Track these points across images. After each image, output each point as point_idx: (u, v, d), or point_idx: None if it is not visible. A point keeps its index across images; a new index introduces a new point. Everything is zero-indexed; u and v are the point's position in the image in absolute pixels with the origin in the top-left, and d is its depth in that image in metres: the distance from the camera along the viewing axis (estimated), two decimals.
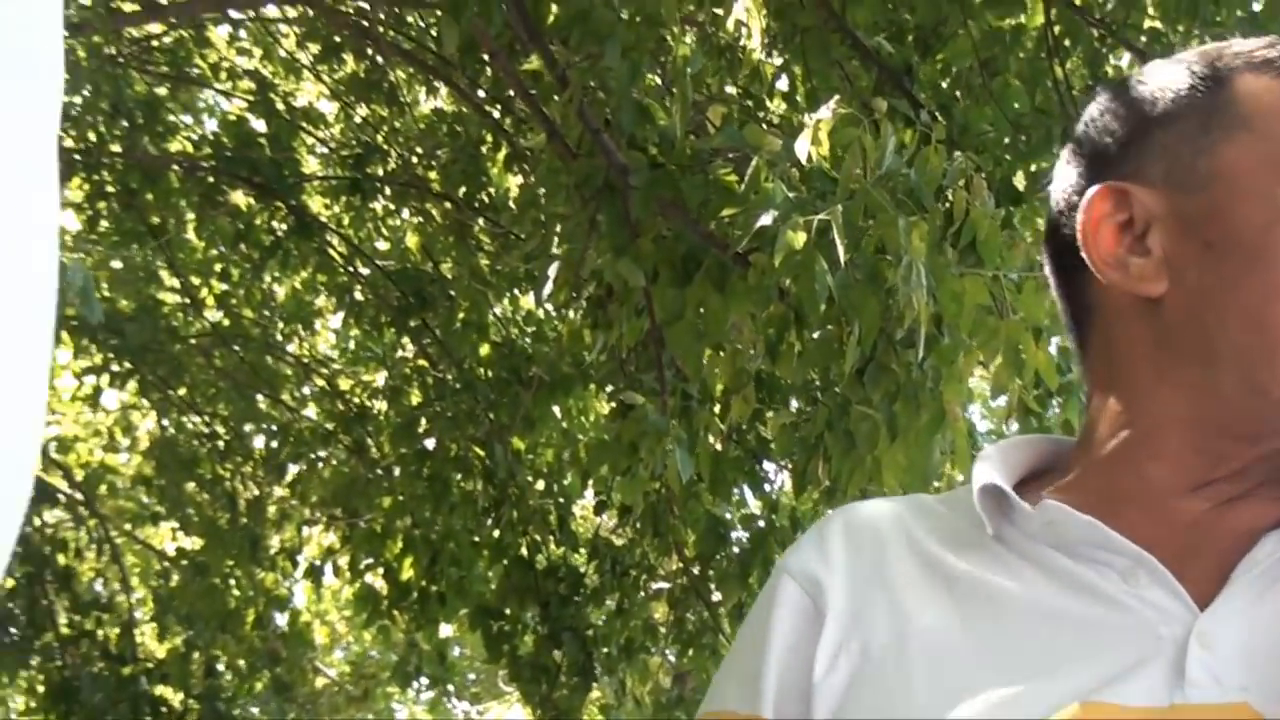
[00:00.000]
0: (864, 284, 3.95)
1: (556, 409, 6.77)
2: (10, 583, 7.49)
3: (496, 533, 6.83)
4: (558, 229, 5.28)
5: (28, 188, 0.60)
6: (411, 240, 7.84)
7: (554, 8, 4.81)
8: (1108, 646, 0.99)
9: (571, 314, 5.72)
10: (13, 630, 7.38)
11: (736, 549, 6.11)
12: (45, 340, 0.59)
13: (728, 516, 6.30)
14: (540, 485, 7.24)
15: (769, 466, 6.38)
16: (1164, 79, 1.20)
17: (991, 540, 1.08)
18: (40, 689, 7.58)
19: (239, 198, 7.37)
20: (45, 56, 0.61)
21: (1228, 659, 0.96)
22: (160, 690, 7.44)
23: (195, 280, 8.01)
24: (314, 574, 8.40)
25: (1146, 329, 1.11)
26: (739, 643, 1.13)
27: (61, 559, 7.65)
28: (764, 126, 4.97)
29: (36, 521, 7.68)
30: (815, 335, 4.32)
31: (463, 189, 7.08)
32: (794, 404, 5.59)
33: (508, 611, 6.84)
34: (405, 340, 7.76)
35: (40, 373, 0.59)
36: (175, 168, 7.23)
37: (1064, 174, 1.24)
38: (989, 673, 0.98)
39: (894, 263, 3.76)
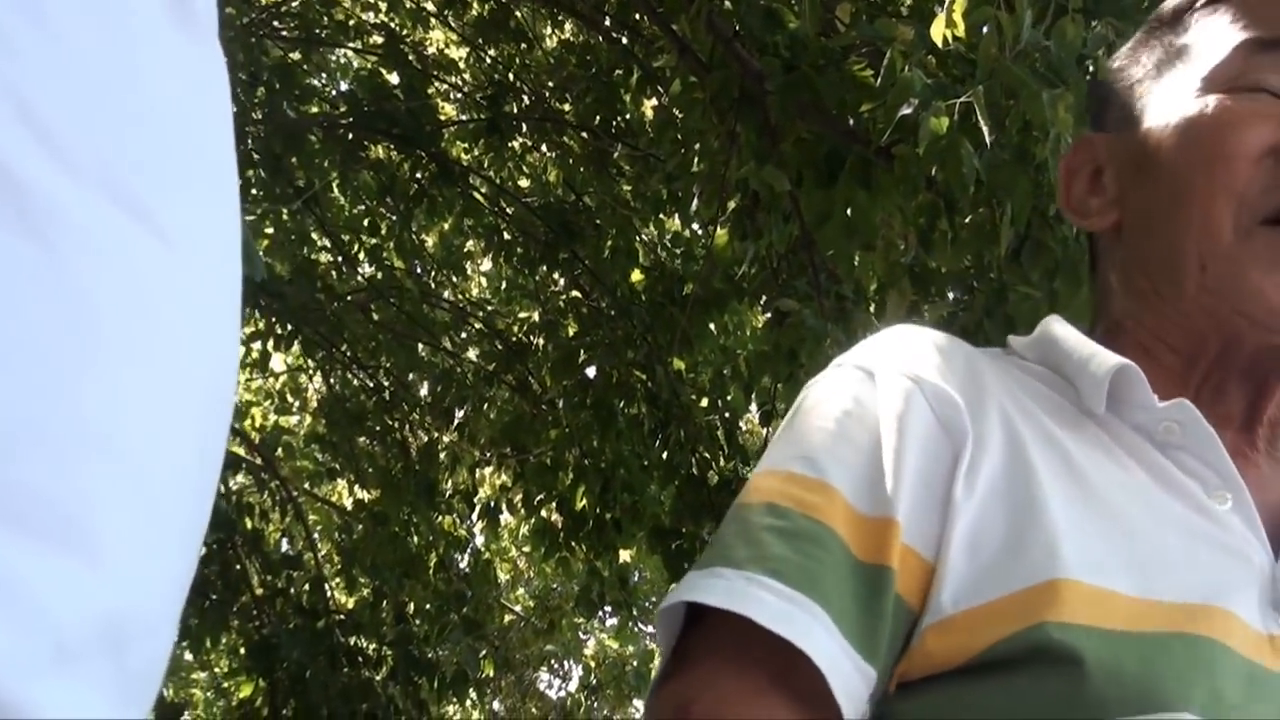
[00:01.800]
0: (1012, 163, 3.91)
1: (713, 326, 6.78)
2: (203, 549, 7.67)
3: (665, 454, 6.87)
4: (697, 146, 5.28)
5: (205, 127, 0.62)
6: (553, 174, 7.88)
7: None
8: (1213, 558, 0.99)
9: (720, 228, 5.71)
10: (211, 595, 7.57)
11: None
12: (235, 325, 0.62)
13: None
14: (704, 403, 7.26)
15: None
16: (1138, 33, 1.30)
17: (1087, 419, 1.09)
18: (242, 650, 7.78)
19: (380, 151, 7.46)
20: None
21: None
22: (355, 640, 7.60)
23: (345, 237, 8.12)
24: (490, 513, 8.52)
25: (1118, 258, 1.21)
26: (838, 435, 1.05)
27: (249, 522, 7.82)
28: (894, 19, 4.92)
29: (222, 488, 7.85)
30: (967, 220, 4.29)
31: (598, 118, 7.09)
32: (950, 295, 5.55)
33: (684, 530, 6.88)
34: (556, 274, 7.80)
35: (233, 353, 0.61)
36: (316, 129, 7.33)
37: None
38: (1118, 549, 0.98)
39: (1041, 138, 3.72)
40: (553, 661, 11.96)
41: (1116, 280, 1.21)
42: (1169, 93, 1.19)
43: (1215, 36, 1.19)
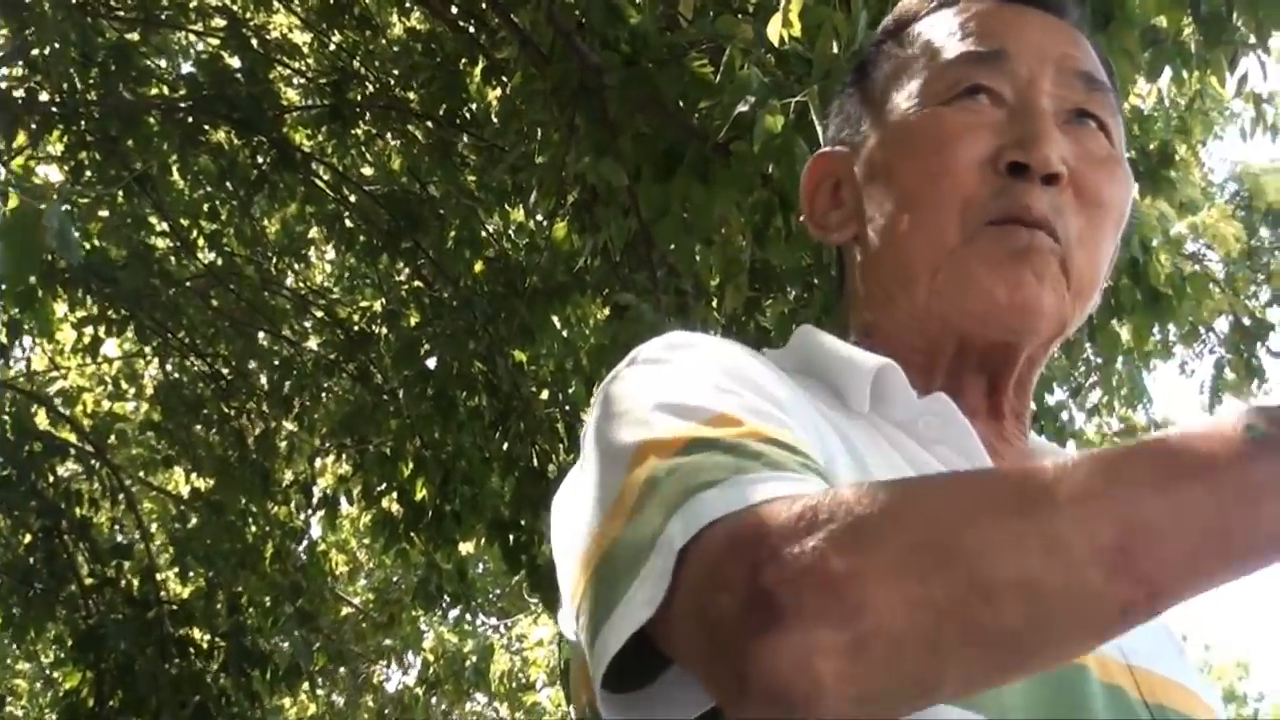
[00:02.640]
0: None
1: (555, 318, 6.78)
2: (29, 537, 7.54)
3: (505, 446, 6.86)
4: (539, 137, 5.27)
5: None
6: (396, 163, 7.82)
7: None
8: None
9: (559, 221, 5.71)
10: (36, 584, 7.44)
11: None
12: None
13: None
14: (545, 395, 7.27)
15: None
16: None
17: (855, 418, 1.11)
18: (68, 640, 7.65)
19: (220, 136, 7.35)
20: None
21: None
22: (186, 631, 7.51)
23: (184, 222, 8.00)
24: (329, 503, 8.45)
25: (864, 268, 1.23)
26: (695, 386, 1.01)
27: (78, 510, 7.69)
28: (739, 16, 4.95)
29: (50, 476, 7.71)
30: (802, 218, 4.32)
31: (443, 107, 7.06)
32: (790, 291, 5.61)
33: (523, 523, 6.88)
34: (399, 263, 7.75)
35: None
36: (153, 111, 7.21)
37: None
38: None
39: None
40: (392, 655, 11.89)
41: (860, 288, 1.23)
42: (895, 107, 1.22)
43: (936, 50, 1.22)
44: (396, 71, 7.45)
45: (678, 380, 1.03)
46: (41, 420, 8.46)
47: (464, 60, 6.84)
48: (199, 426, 8.33)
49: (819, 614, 0.77)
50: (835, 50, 3.75)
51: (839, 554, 0.78)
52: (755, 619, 0.78)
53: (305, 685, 8.73)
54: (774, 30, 3.79)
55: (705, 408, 0.98)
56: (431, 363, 7.09)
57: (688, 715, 0.90)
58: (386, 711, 11.81)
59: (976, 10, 1.24)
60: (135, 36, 7.56)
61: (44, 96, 6.87)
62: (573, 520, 1.02)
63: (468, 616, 11.49)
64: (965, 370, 1.17)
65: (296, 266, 8.74)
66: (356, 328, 7.99)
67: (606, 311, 6.22)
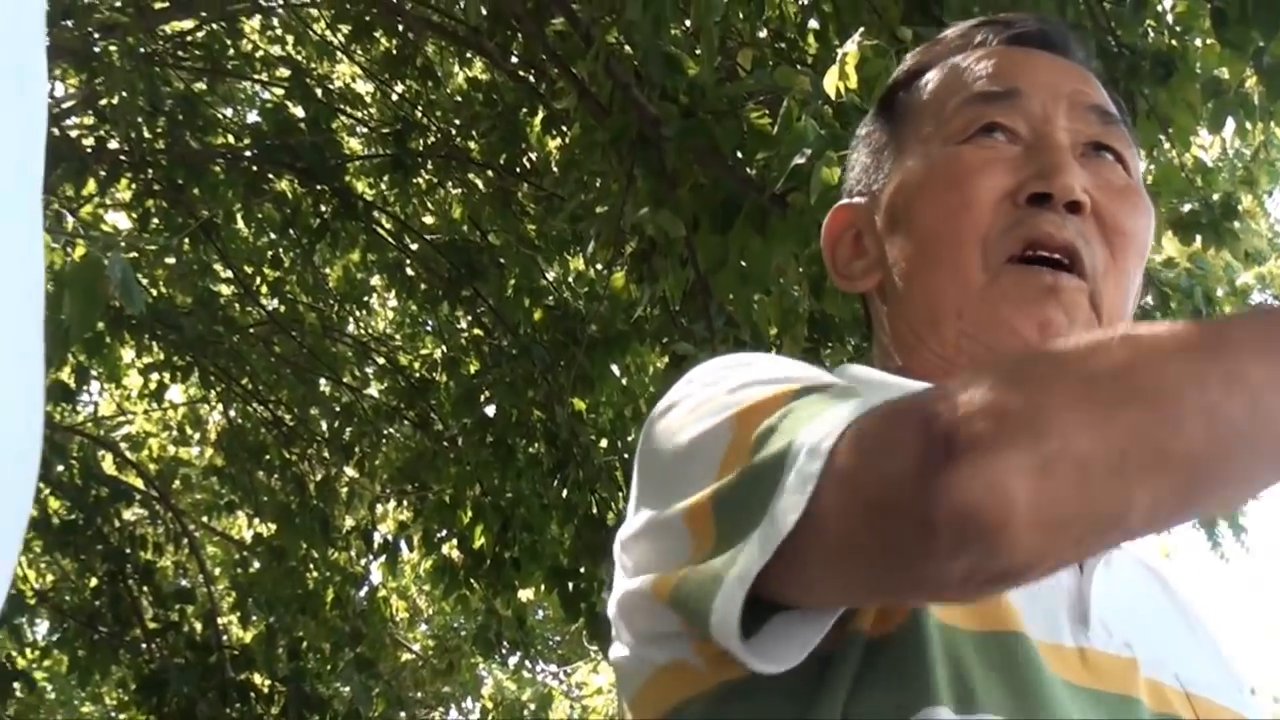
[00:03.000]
0: None
1: (614, 366, 6.79)
2: (94, 581, 7.60)
3: (564, 493, 6.86)
4: (597, 186, 5.30)
5: (9, 184, 0.62)
6: (457, 211, 7.87)
7: None
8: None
9: (616, 270, 5.73)
10: (101, 628, 7.50)
11: None
12: (36, 337, 0.61)
13: None
14: (604, 443, 7.27)
15: None
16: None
17: None
18: (131, 684, 7.70)
19: (283, 184, 7.43)
20: (28, 55, 0.64)
21: (1107, 615, 1.04)
22: (247, 675, 7.54)
23: (248, 269, 8.08)
24: (389, 550, 8.48)
25: (890, 314, 1.24)
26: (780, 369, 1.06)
27: (142, 555, 7.75)
28: (797, 67, 4.97)
29: (115, 520, 7.79)
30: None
31: (503, 156, 7.10)
32: (849, 341, 5.59)
33: (583, 570, 6.88)
34: (460, 311, 7.79)
35: (35, 371, 0.61)
36: (219, 160, 7.30)
37: None
38: None
39: None
40: (451, 702, 11.90)
41: (887, 334, 1.24)
42: (910, 151, 1.24)
43: (949, 93, 1.23)
44: (458, 121, 7.50)
45: (751, 374, 1.05)
46: (108, 465, 8.56)
47: (524, 110, 6.88)
48: (261, 472, 8.39)
49: (1004, 440, 0.79)
50: None
51: (1015, 392, 0.81)
52: (935, 462, 0.79)
53: None
54: (831, 82, 3.80)
55: (795, 377, 1.01)
56: (491, 410, 7.12)
57: (793, 660, 0.91)
58: None
59: (986, 54, 1.25)
60: (202, 86, 7.67)
61: (113, 145, 6.97)
62: (654, 513, 1.03)
63: (526, 663, 11.49)
64: None
65: (358, 314, 8.80)
66: (417, 375, 8.04)
67: (665, 360, 6.23)
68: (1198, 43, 4.98)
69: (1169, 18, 5.00)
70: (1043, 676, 0.95)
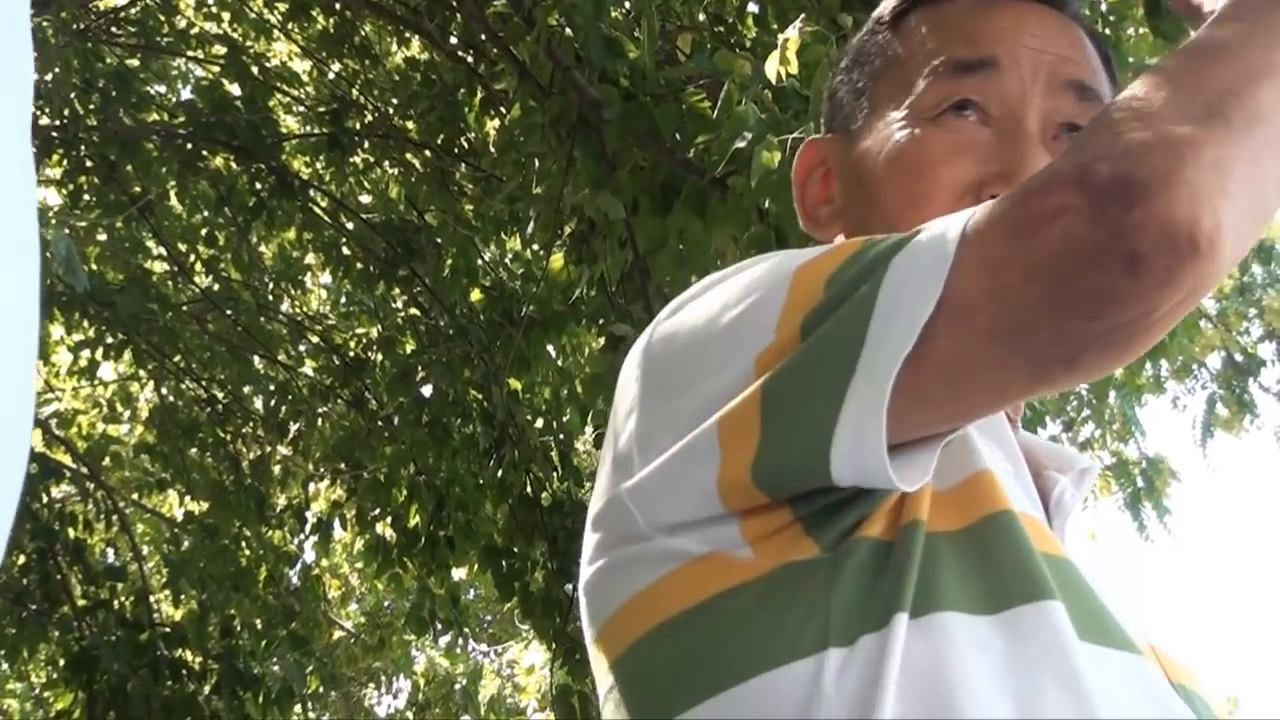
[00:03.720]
0: None
1: (550, 347, 6.81)
2: (22, 558, 7.55)
3: (499, 473, 6.87)
4: (536, 168, 5.31)
5: (3, 163, 0.63)
6: (394, 191, 7.87)
7: None
8: None
9: (555, 251, 5.75)
10: (29, 605, 7.44)
11: None
12: (32, 314, 0.63)
13: None
14: (540, 424, 7.28)
15: None
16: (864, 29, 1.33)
17: None
18: (60, 661, 7.65)
19: (219, 162, 7.39)
20: (16, 32, 0.65)
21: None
22: (179, 653, 7.51)
23: (182, 247, 8.03)
24: (322, 528, 8.46)
25: None
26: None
27: (71, 532, 7.69)
28: (736, 51, 5.00)
29: (44, 497, 7.73)
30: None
31: (441, 136, 7.10)
32: None
33: (516, 550, 6.89)
34: (396, 291, 7.78)
35: (30, 347, 0.62)
36: (153, 137, 7.25)
37: None
38: None
39: None
40: (382, 678, 11.86)
41: None
42: (882, 111, 1.24)
43: (928, 52, 1.24)
44: (395, 101, 7.49)
45: (786, 254, 1.07)
46: (37, 442, 8.49)
47: (462, 90, 6.88)
48: (194, 450, 8.35)
49: (1184, 166, 0.85)
50: None
51: (1159, 131, 0.87)
52: (1122, 204, 0.84)
53: (297, 708, 8.73)
54: (771, 67, 3.83)
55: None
56: (427, 390, 7.12)
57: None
58: None
59: (973, 7, 1.26)
60: (135, 62, 7.61)
61: (44, 121, 6.91)
62: (677, 404, 1.04)
63: (459, 642, 11.49)
64: None
65: (293, 292, 8.76)
66: (352, 354, 8.02)
67: (601, 341, 6.25)
68: (1130, 32, 5.05)
69: (1103, 6, 5.07)
70: (1098, 599, 1.00)
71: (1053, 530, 1.09)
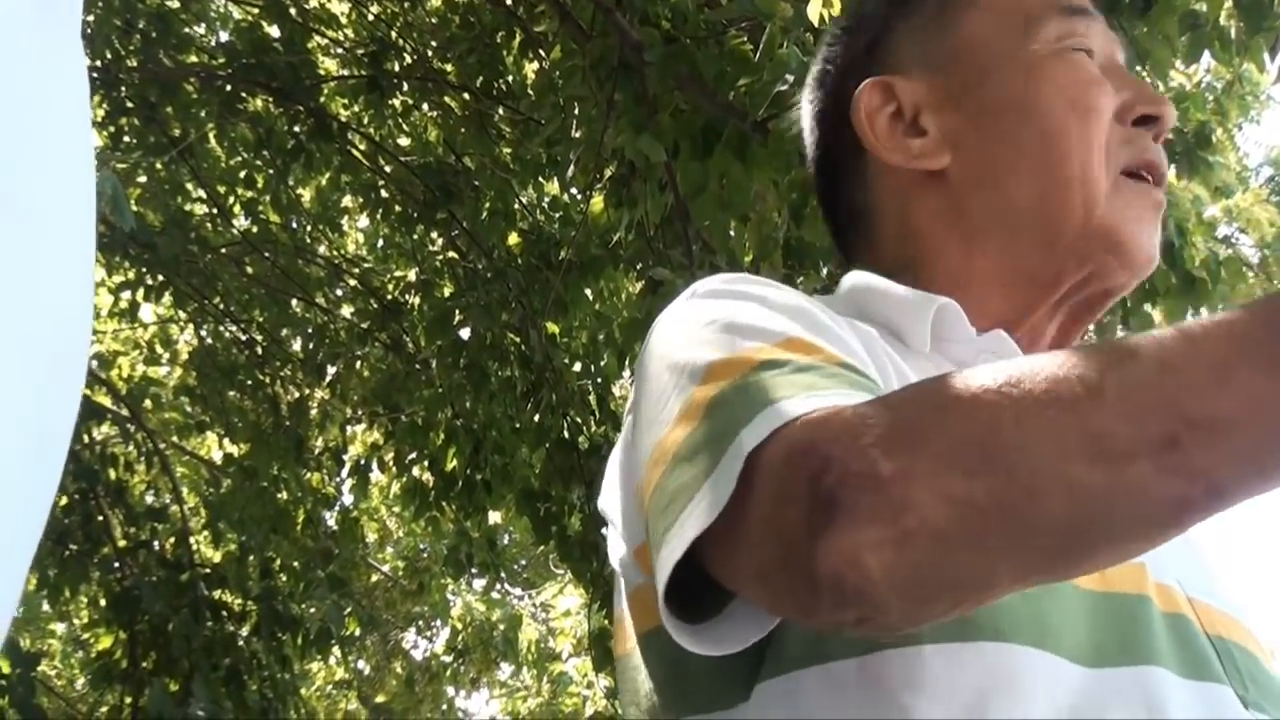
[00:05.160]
0: None
1: (588, 291, 6.80)
2: (64, 499, 7.60)
3: (537, 417, 6.88)
4: (576, 112, 5.29)
5: (61, 109, 0.64)
6: (433, 134, 7.85)
7: None
8: None
9: (595, 195, 5.73)
10: (71, 546, 7.49)
11: None
12: (89, 254, 0.63)
13: None
14: (577, 367, 7.29)
15: None
16: None
17: (916, 356, 1.14)
18: (102, 601, 7.72)
19: (258, 104, 7.39)
20: None
21: None
22: (219, 594, 7.56)
23: (221, 189, 8.05)
24: (360, 471, 8.50)
25: (939, 200, 1.23)
26: (769, 313, 1.03)
27: (112, 473, 7.73)
28: None
29: (85, 438, 7.77)
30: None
31: (480, 79, 7.07)
32: (824, 268, 5.62)
33: (553, 493, 6.91)
34: (434, 234, 7.79)
35: (87, 289, 0.63)
36: (192, 79, 7.25)
37: (815, 95, 1.38)
38: None
39: None
40: (420, 622, 11.96)
41: (928, 222, 1.23)
42: (986, 38, 1.24)
43: None
44: (434, 43, 7.47)
45: (745, 307, 1.04)
46: None
47: (501, 33, 6.85)
48: (233, 392, 8.40)
49: (868, 513, 0.78)
50: None
51: (887, 456, 0.80)
52: (818, 522, 0.80)
53: (335, 650, 8.80)
54: (814, 9, 3.80)
55: (776, 331, 0.99)
56: (464, 333, 7.13)
57: (742, 644, 0.91)
58: (414, 678, 11.87)
59: None
60: (175, 4, 7.60)
61: (85, 62, 6.90)
62: (633, 447, 1.06)
63: (496, 585, 11.55)
64: (1059, 308, 1.22)
65: (330, 235, 8.78)
66: (390, 297, 8.04)
67: (640, 286, 6.24)
68: None
69: None
70: (1060, 586, 0.97)
71: None
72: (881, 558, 0.78)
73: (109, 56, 6.80)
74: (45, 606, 9.84)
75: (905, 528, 0.78)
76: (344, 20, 7.98)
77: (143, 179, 7.61)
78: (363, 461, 8.52)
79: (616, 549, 1.11)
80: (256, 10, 7.58)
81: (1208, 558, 1.16)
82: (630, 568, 1.08)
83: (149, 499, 8.83)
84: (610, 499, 1.13)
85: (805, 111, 1.41)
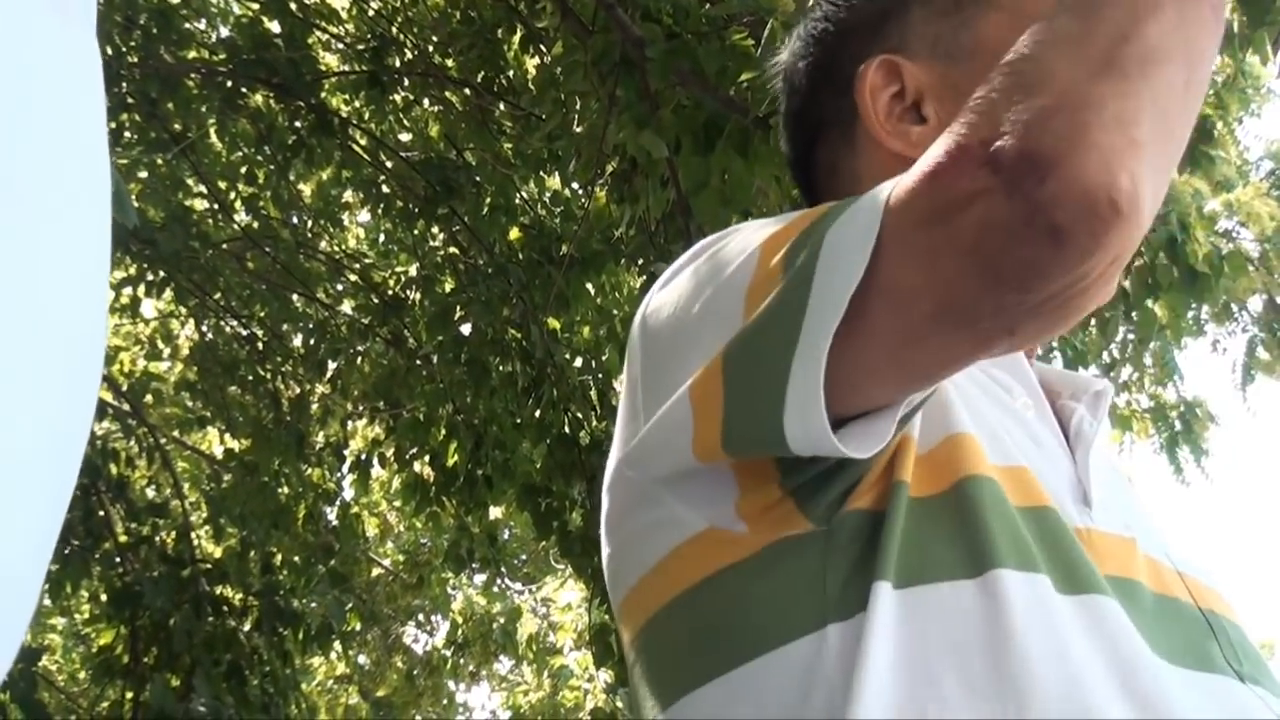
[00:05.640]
0: None
1: (589, 286, 6.81)
2: None
3: (538, 412, 6.89)
4: (577, 107, 5.29)
5: (76, 109, 0.64)
6: (434, 129, 7.85)
7: None
8: (1037, 455, 1.09)
9: (597, 191, 5.73)
10: (72, 541, 7.49)
11: None
12: (104, 254, 0.63)
13: None
14: (578, 363, 7.30)
15: None
16: None
17: None
18: (103, 596, 7.72)
19: (259, 99, 7.38)
20: None
21: (1104, 496, 1.08)
22: (220, 589, 7.57)
23: (222, 185, 8.04)
24: (361, 466, 8.50)
25: None
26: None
27: (114, 469, 7.74)
28: None
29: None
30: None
31: (481, 74, 7.07)
32: None
33: (554, 488, 6.92)
34: (435, 229, 7.79)
35: (101, 289, 0.63)
36: (193, 74, 7.24)
37: (810, 50, 1.36)
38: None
39: None
40: (420, 616, 11.96)
41: None
42: (1003, 40, 1.19)
43: None
44: (435, 38, 7.46)
45: (750, 228, 1.07)
46: None
47: (502, 28, 6.85)
48: (234, 388, 8.39)
49: (1087, 132, 0.83)
50: None
51: (1051, 95, 0.85)
52: (1032, 180, 0.83)
53: (336, 645, 8.80)
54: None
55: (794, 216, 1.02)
56: (465, 328, 7.13)
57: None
58: (414, 672, 11.87)
59: None
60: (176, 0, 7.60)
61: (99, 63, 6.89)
62: (680, 356, 1.05)
63: (496, 580, 11.55)
64: None
65: (331, 230, 8.78)
66: (391, 292, 8.03)
67: (641, 281, 6.25)
68: None
69: None
70: (1077, 547, 0.99)
71: (1075, 462, 1.10)
72: (1128, 153, 0.83)
73: (109, 52, 6.79)
74: (47, 601, 9.85)
75: (1120, 117, 0.84)
76: (345, 15, 7.97)
77: (144, 175, 7.60)
78: (363, 457, 8.52)
79: (640, 505, 1.10)
80: (257, 6, 7.57)
81: (1163, 523, 1.18)
82: (668, 525, 1.07)
83: (150, 494, 8.84)
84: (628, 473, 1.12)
85: (791, 57, 1.40)
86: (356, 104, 7.78)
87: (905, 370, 0.94)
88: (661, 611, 1.07)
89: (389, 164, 7.64)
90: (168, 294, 8.03)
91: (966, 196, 0.85)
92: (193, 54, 7.51)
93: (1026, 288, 0.85)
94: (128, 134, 7.41)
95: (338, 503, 9.02)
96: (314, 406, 8.43)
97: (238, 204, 8.09)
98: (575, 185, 6.88)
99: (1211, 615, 1.04)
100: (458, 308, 7.13)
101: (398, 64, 7.38)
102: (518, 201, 7.34)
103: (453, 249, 7.72)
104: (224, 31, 8.09)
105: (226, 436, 8.92)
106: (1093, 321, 5.83)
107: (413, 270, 8.11)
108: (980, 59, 1.23)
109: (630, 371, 1.15)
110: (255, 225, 8.06)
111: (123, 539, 7.63)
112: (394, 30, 7.48)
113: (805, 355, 0.90)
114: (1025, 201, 0.82)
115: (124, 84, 7.01)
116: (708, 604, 1.02)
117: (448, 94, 7.51)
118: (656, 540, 1.08)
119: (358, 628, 9.72)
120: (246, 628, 7.50)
